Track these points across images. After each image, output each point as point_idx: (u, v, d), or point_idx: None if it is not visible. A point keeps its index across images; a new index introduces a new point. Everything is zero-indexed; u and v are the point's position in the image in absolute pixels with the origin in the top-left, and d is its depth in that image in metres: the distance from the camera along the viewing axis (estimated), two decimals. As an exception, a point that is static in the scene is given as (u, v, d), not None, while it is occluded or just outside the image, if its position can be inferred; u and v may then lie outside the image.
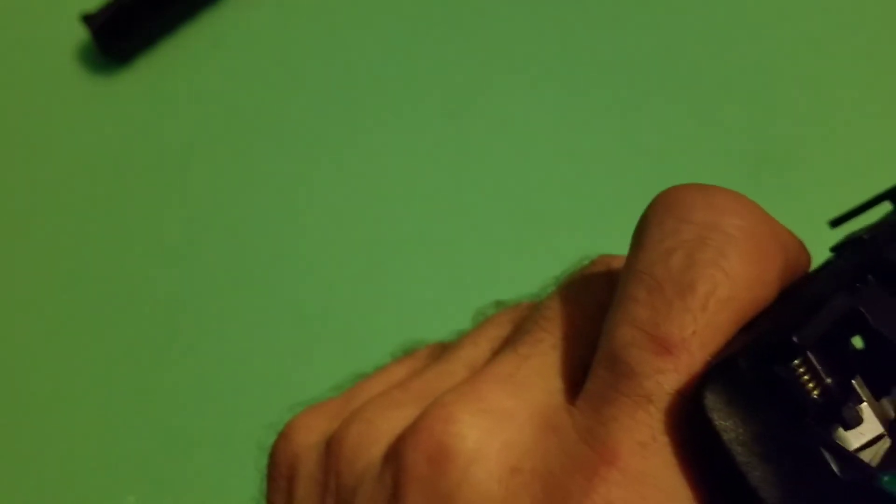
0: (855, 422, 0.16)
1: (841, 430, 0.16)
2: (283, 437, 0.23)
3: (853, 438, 0.16)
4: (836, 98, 0.46)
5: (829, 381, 0.16)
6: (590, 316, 0.19)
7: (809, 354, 0.16)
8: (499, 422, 0.18)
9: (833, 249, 0.19)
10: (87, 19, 0.48)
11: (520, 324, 0.21)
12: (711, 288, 0.17)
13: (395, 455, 0.19)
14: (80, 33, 0.49)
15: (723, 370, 0.16)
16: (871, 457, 0.16)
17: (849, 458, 0.16)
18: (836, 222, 0.20)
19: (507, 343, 0.20)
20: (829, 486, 0.16)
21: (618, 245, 0.44)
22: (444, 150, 0.46)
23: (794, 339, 0.16)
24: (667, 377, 0.16)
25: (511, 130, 0.46)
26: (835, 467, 0.16)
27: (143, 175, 0.47)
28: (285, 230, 0.45)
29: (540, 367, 0.19)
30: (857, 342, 0.17)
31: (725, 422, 0.16)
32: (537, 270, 0.43)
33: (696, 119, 0.46)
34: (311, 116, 0.47)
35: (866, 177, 0.44)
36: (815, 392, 0.16)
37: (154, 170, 0.47)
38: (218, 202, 0.46)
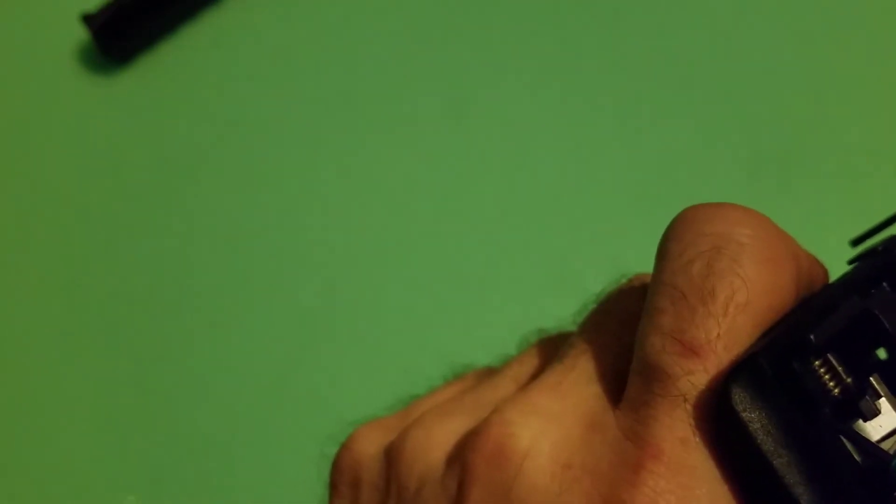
0: (872, 413, 0.17)
1: (860, 421, 0.18)
2: (346, 447, 0.25)
3: (872, 431, 0.18)
4: (836, 99, 0.46)
5: (848, 380, 0.17)
6: (627, 327, 0.21)
7: (830, 356, 0.17)
8: (549, 423, 0.20)
9: (850, 262, 0.20)
10: (87, 19, 0.48)
11: (565, 341, 0.23)
12: (731, 293, 0.18)
13: (458, 458, 0.21)
14: (80, 33, 0.49)
15: (746, 367, 0.18)
16: (889, 447, 0.18)
17: (866, 445, 0.17)
18: (856, 241, 0.21)
19: (555, 356, 0.22)
20: (849, 470, 0.17)
21: (624, 242, 0.45)
22: (449, 152, 0.46)
23: (811, 337, 0.17)
24: (698, 377, 0.18)
25: (511, 131, 0.46)
26: (853, 454, 0.17)
27: (144, 175, 0.47)
28: (286, 231, 0.45)
29: (584, 375, 0.21)
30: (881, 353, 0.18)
31: (751, 414, 0.17)
32: (538, 272, 0.43)
33: (697, 120, 0.46)
34: (313, 116, 0.47)
35: (866, 177, 0.44)
36: (836, 391, 0.17)
37: (154, 170, 0.47)
38: (219, 202, 0.46)
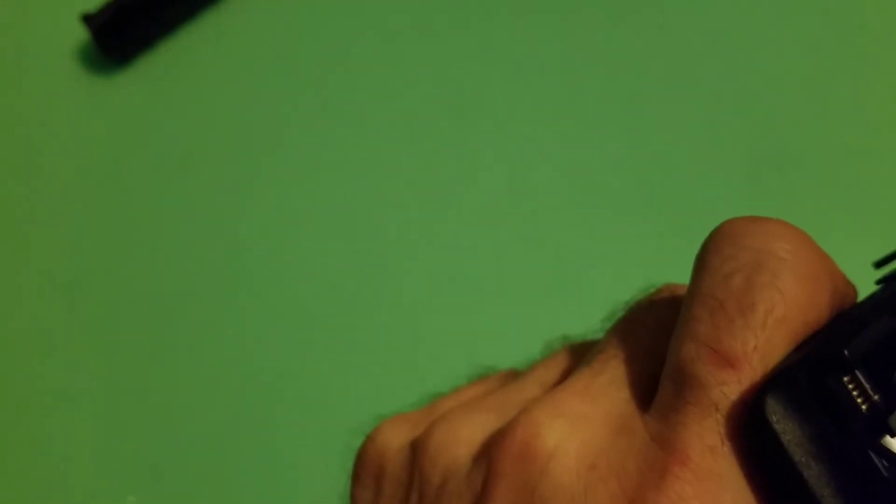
0: None
1: (888, 437, 0.18)
2: (371, 439, 0.25)
3: None
4: (836, 99, 0.46)
5: (876, 397, 0.18)
6: (657, 335, 0.21)
7: (858, 373, 0.18)
8: (576, 425, 0.20)
9: (879, 282, 0.20)
10: (87, 19, 0.48)
11: (590, 348, 0.23)
12: (770, 307, 0.18)
13: (484, 456, 0.21)
14: (80, 33, 0.49)
15: (781, 380, 0.18)
16: None
17: (894, 460, 0.17)
18: (880, 263, 0.21)
19: (582, 361, 0.22)
20: (877, 484, 0.17)
21: (624, 241, 0.44)
22: (449, 152, 0.46)
23: (845, 352, 0.18)
24: (731, 388, 0.18)
25: (511, 131, 0.46)
26: (881, 468, 0.17)
27: (144, 175, 0.47)
28: (286, 231, 0.45)
29: (612, 379, 0.21)
30: None
31: (783, 425, 0.18)
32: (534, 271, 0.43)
33: (697, 119, 0.46)
34: (313, 116, 0.47)
35: (866, 178, 0.44)
36: (864, 406, 0.18)
37: (154, 169, 0.47)
38: (219, 202, 0.46)
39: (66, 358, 0.44)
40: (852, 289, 0.21)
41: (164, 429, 0.42)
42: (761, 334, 0.18)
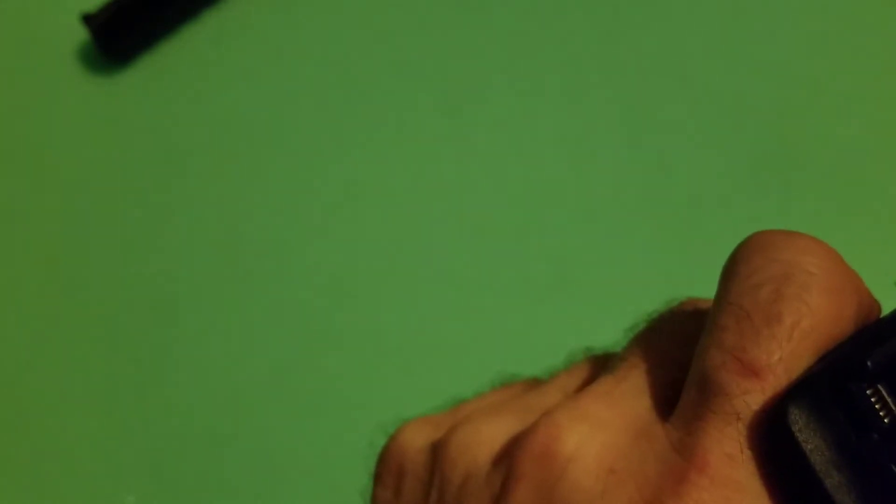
0: None
1: None
2: (393, 439, 0.25)
3: None
4: (837, 98, 0.46)
5: None
6: (679, 344, 0.22)
7: (881, 388, 0.18)
8: (597, 429, 0.20)
9: None
10: (87, 19, 0.48)
11: (613, 358, 0.23)
12: (797, 319, 0.19)
13: (505, 458, 0.21)
14: (80, 33, 0.49)
15: (803, 389, 0.18)
16: None
17: None
18: None
19: (605, 369, 0.23)
20: None
21: (625, 241, 0.44)
22: (446, 152, 0.46)
23: (868, 362, 0.18)
24: (754, 397, 0.18)
25: (509, 131, 0.46)
26: None
27: (144, 175, 0.47)
28: (285, 230, 0.45)
29: (634, 387, 0.21)
30: None
31: (805, 434, 0.18)
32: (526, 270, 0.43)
33: (697, 119, 0.46)
34: (312, 115, 0.47)
35: (866, 178, 0.44)
36: (886, 420, 0.18)
37: (155, 170, 0.47)
38: (219, 202, 0.46)
39: (66, 358, 0.44)
40: (877, 305, 0.21)
41: (164, 429, 0.42)
42: (786, 346, 0.18)
